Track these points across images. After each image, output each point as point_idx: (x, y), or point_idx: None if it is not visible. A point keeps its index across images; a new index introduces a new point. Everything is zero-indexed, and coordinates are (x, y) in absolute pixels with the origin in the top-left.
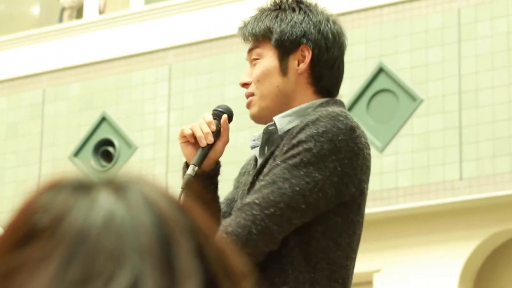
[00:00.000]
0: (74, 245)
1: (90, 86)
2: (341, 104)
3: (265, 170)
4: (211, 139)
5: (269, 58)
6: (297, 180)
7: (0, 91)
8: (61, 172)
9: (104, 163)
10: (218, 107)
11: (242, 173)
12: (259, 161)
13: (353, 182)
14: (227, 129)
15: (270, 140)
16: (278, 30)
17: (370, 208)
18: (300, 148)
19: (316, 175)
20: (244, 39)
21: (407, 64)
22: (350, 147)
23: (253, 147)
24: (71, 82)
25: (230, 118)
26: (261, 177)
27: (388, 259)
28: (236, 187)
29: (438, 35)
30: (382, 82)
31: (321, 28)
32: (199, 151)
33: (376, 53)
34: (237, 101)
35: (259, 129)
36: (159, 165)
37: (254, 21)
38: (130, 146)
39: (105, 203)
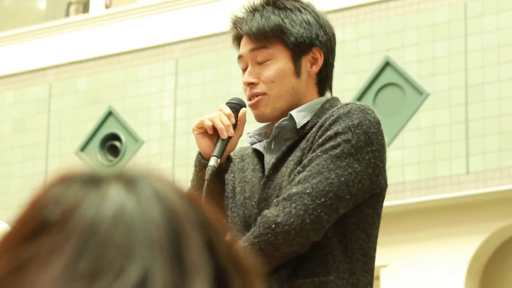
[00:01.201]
0: (85, 238)
1: (96, 80)
2: (339, 101)
3: (304, 160)
4: (232, 132)
5: (283, 60)
6: (342, 171)
7: (6, 86)
8: (71, 166)
9: (110, 157)
10: (233, 99)
11: (239, 169)
12: (269, 157)
13: (382, 174)
14: (244, 123)
15: (279, 135)
16: (293, 31)
17: None
18: (339, 140)
19: (356, 166)
20: (238, 36)
21: (413, 58)
22: (379, 139)
23: (252, 143)
24: (77, 76)
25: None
26: (299, 168)
27: (394, 254)
28: (225, 184)
29: (445, 29)
30: (388, 76)
31: (327, 30)
32: (220, 143)
33: (382, 47)
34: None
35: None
36: (165, 160)
37: (261, 18)
38: (136, 140)
39: (115, 197)
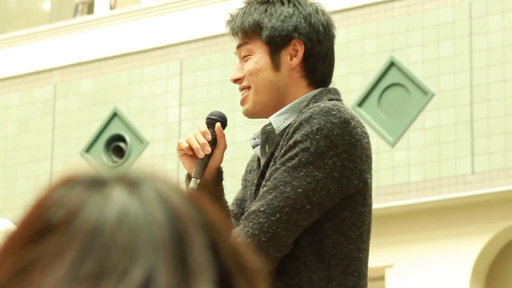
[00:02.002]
0: (88, 240)
1: (101, 81)
2: (335, 92)
3: (267, 174)
4: (208, 149)
5: (259, 54)
6: (299, 182)
7: (12, 87)
8: (75, 168)
9: (115, 158)
10: (211, 114)
11: (248, 171)
12: (262, 161)
13: (355, 175)
14: (223, 136)
15: (269, 139)
16: (268, 25)
17: (382, 203)
18: (297, 149)
19: (317, 173)
20: (232, 34)
21: (418, 58)
22: (347, 140)
23: (254, 146)
24: (82, 77)
25: (224, 124)
26: (263, 182)
27: (400, 254)
28: (244, 186)
29: (450, 29)
30: (393, 76)
31: (312, 21)
32: (198, 163)
33: (387, 47)
34: None
35: (262, 124)
36: (170, 161)
37: (243, 15)
38: (141, 141)
39: (119, 198)
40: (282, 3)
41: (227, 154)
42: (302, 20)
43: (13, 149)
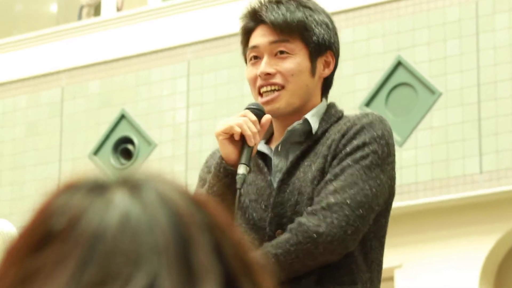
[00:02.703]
0: (90, 247)
1: (108, 83)
2: (337, 107)
3: (305, 170)
4: (258, 139)
5: (301, 56)
6: (373, 182)
7: (19, 90)
8: (76, 173)
9: (123, 161)
10: (253, 105)
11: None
12: (277, 159)
13: (395, 183)
14: (265, 130)
15: (288, 138)
16: (316, 31)
17: None
18: (367, 150)
19: (382, 177)
20: (270, 26)
21: (425, 57)
22: (394, 150)
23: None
24: (89, 80)
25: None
26: (329, 176)
27: (408, 254)
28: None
29: (456, 27)
30: (400, 76)
31: (337, 38)
32: (247, 150)
33: (394, 47)
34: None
35: None
36: (178, 162)
37: (286, 11)
38: (149, 143)
39: (120, 203)
40: (319, 12)
41: None
42: (334, 33)
43: (21, 151)
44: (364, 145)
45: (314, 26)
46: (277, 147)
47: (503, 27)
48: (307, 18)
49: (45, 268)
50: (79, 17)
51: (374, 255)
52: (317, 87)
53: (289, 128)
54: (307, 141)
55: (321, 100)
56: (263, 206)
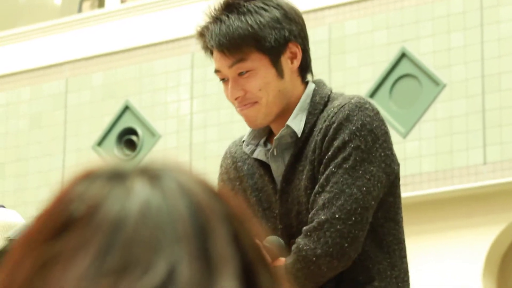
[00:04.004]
0: (111, 234)
1: (112, 75)
2: (323, 82)
3: (299, 177)
4: None
5: (263, 67)
6: (361, 181)
7: (23, 82)
8: (95, 161)
9: (127, 152)
10: (270, 242)
11: (235, 178)
12: (274, 165)
13: (393, 160)
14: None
15: (280, 143)
16: (267, 36)
17: None
18: (348, 149)
19: (371, 169)
20: (215, 50)
21: (429, 49)
22: (383, 129)
23: (251, 152)
24: (93, 71)
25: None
26: (317, 188)
27: (412, 245)
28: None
29: (460, 19)
30: (404, 68)
31: (295, 19)
32: None
33: (398, 39)
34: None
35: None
36: (182, 153)
37: (228, 29)
38: (153, 134)
39: (141, 191)
40: (264, 9)
41: None
42: (289, 21)
43: (25, 143)
44: (344, 144)
45: (262, 31)
46: (272, 152)
47: (508, 18)
48: (251, 27)
49: (65, 253)
50: (79, 9)
51: (389, 238)
52: (293, 81)
53: (276, 136)
54: (298, 142)
55: (305, 85)
56: (274, 214)
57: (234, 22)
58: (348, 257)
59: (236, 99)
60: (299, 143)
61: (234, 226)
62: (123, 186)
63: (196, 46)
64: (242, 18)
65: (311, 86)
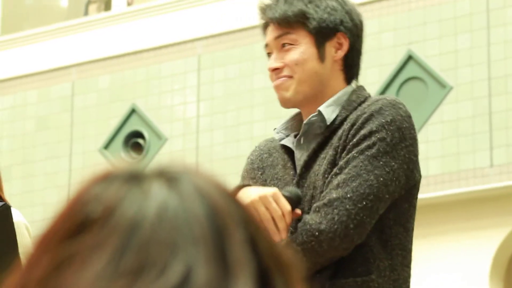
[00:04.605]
0: (127, 235)
1: (119, 78)
2: (365, 89)
3: (320, 163)
4: (285, 235)
5: (305, 45)
6: (379, 171)
7: (30, 84)
8: (111, 164)
9: (134, 155)
10: (288, 192)
11: (258, 168)
12: (299, 153)
13: (416, 168)
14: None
15: (308, 131)
16: (315, 16)
17: None
18: (373, 138)
19: (393, 164)
20: (270, 23)
21: (436, 51)
22: (412, 134)
23: (280, 139)
24: (100, 74)
25: (298, 204)
26: (335, 169)
27: (419, 247)
28: (253, 184)
29: (467, 21)
30: (411, 70)
31: (353, 17)
32: None
33: (405, 41)
34: (265, 91)
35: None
36: (189, 156)
37: (284, 4)
38: (160, 137)
39: (158, 194)
40: None
41: (245, 149)
42: (346, 15)
43: (32, 146)
44: (370, 134)
45: (315, 12)
46: (299, 140)
47: None
48: (306, 5)
49: (82, 253)
50: (86, 12)
51: (396, 241)
52: (333, 71)
53: (305, 121)
54: (325, 132)
55: (347, 84)
56: None
57: (294, 1)
58: (350, 239)
59: (273, 70)
60: (326, 133)
61: (250, 231)
62: (140, 188)
63: (202, 48)
64: None
65: (351, 87)
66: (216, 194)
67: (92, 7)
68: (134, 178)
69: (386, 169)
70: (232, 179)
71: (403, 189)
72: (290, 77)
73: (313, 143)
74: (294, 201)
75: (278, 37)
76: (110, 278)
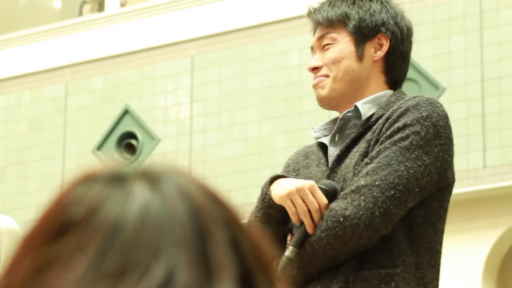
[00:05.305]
0: (110, 237)
1: (112, 79)
2: (405, 93)
3: (352, 157)
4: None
5: (344, 43)
6: (411, 163)
7: (23, 85)
8: (94, 165)
9: (127, 155)
10: (324, 184)
11: (294, 169)
12: (333, 149)
13: (450, 168)
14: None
15: (344, 128)
16: (356, 16)
17: None
18: (407, 131)
19: (425, 158)
20: (315, 24)
21: (429, 52)
22: (448, 134)
23: (316, 138)
24: (93, 75)
25: (334, 197)
26: (366, 159)
27: None
28: None
29: (460, 23)
30: None
31: (398, 20)
32: (302, 233)
33: None
34: (259, 92)
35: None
36: (182, 157)
37: (329, 6)
38: (153, 138)
39: (140, 195)
40: (371, 0)
41: (238, 150)
42: (389, 17)
43: (25, 147)
44: (405, 126)
45: (356, 12)
46: (333, 137)
47: (507, 22)
48: (349, 7)
49: (63, 255)
50: (80, 13)
51: (423, 240)
52: (372, 72)
53: (341, 116)
54: (360, 128)
55: (389, 89)
56: None
57: (337, 2)
58: (375, 228)
59: (312, 70)
60: (361, 129)
61: (233, 231)
62: (122, 189)
63: (196, 49)
64: (348, 1)
65: (391, 91)
66: (199, 195)
67: (86, 8)
68: (117, 179)
69: (418, 162)
70: (225, 181)
71: (434, 187)
72: (327, 76)
73: (347, 139)
74: (331, 194)
75: (320, 38)
76: (92, 280)
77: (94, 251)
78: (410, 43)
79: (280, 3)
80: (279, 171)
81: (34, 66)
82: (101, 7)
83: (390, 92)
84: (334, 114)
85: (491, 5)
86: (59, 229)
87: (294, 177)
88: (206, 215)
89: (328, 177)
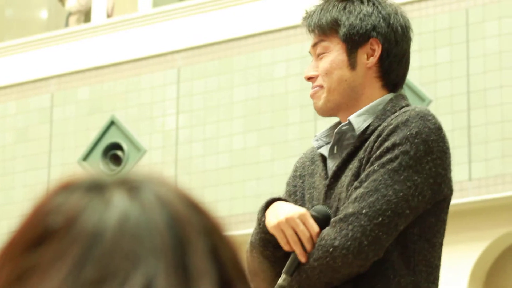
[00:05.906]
0: (88, 246)
1: (98, 90)
2: (406, 98)
3: (347, 174)
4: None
5: (336, 52)
6: (400, 186)
7: (8, 96)
8: (73, 173)
9: (113, 166)
10: (317, 211)
11: (299, 176)
12: (331, 163)
13: (445, 182)
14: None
15: (341, 140)
16: (346, 23)
17: None
18: (396, 152)
19: (416, 178)
20: (309, 31)
21: (415, 64)
22: (441, 146)
23: (318, 147)
24: (79, 86)
25: (327, 224)
26: (356, 182)
27: None
28: (293, 192)
29: (446, 35)
30: None
31: (391, 21)
32: (294, 261)
33: None
34: (245, 103)
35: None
36: (168, 168)
37: (320, 12)
38: (139, 149)
39: (119, 203)
40: (362, 2)
41: (224, 162)
42: (381, 20)
43: (11, 158)
44: (394, 146)
45: (347, 18)
46: (331, 149)
47: (493, 35)
48: (339, 12)
49: (42, 265)
50: (66, 24)
51: (420, 258)
52: (367, 78)
53: (336, 130)
54: (356, 142)
55: (389, 92)
56: None
57: (329, 6)
58: (365, 256)
59: (308, 79)
60: (357, 143)
61: (213, 240)
62: (101, 197)
63: (182, 60)
64: (337, 4)
65: (390, 95)
66: (178, 203)
67: (72, 19)
68: (96, 188)
69: (408, 183)
70: (211, 192)
71: (428, 204)
72: (321, 86)
73: (345, 151)
74: (322, 221)
75: (314, 45)
76: None
77: (73, 259)
78: (406, 41)
79: (266, 15)
80: (265, 183)
81: (19, 77)
82: (87, 18)
83: (388, 97)
84: (322, 123)
85: (477, 17)
86: (38, 238)
87: (300, 184)
88: (185, 224)
89: (326, 194)
